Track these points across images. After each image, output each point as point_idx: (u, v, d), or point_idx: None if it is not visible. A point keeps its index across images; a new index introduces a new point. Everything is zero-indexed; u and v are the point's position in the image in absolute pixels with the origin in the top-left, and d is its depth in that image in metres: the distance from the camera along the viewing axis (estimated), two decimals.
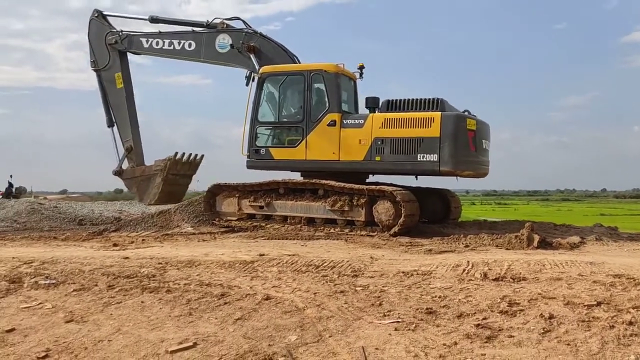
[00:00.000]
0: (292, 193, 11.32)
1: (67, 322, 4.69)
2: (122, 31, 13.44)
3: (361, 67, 11.91)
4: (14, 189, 26.03)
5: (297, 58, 12.33)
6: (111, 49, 13.48)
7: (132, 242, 9.64)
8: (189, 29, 12.84)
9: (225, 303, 5.00)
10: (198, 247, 8.68)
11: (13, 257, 7.82)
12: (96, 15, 13.69)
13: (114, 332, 4.38)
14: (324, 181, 10.69)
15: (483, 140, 10.90)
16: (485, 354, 3.51)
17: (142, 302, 5.19)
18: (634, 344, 3.57)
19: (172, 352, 3.83)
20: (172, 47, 12.78)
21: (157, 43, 12.94)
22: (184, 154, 13.32)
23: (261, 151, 11.56)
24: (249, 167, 11.76)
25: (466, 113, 10.85)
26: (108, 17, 13.86)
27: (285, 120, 11.72)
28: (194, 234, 10.71)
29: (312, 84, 11.16)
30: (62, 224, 14.55)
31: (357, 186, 10.44)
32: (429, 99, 10.46)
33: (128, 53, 13.74)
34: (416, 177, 11.37)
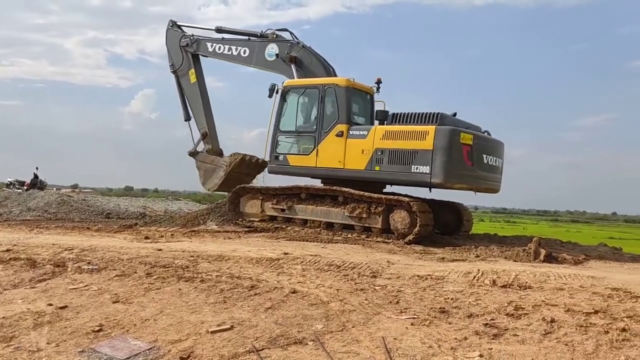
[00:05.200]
0: (313, 198, 11.82)
1: (114, 303, 5.22)
2: (193, 35, 15.00)
3: (378, 82, 12.52)
4: (39, 181, 26.71)
5: (333, 70, 12.93)
6: (184, 51, 15.00)
7: (162, 236, 10.18)
8: (246, 37, 14.12)
9: (256, 294, 5.48)
10: (225, 244, 9.19)
11: (53, 244, 8.38)
12: (171, 25, 15.40)
13: (158, 313, 4.89)
14: (344, 189, 11.19)
15: (485, 156, 10.99)
16: (492, 349, 3.96)
17: (180, 289, 5.70)
18: (625, 348, 4.00)
19: (213, 332, 4.33)
20: (230, 52, 14.06)
21: (219, 48, 14.30)
22: (251, 156, 14.27)
23: (280, 157, 12.36)
24: (270, 171, 12.73)
25: (485, 133, 11.35)
26: (182, 27, 15.50)
27: (301, 130, 12.39)
28: (219, 231, 11.27)
29: (325, 96, 11.81)
30: (90, 216, 15.22)
31: (375, 195, 10.90)
32: (429, 113, 10.76)
33: (200, 56, 15.17)
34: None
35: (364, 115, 12.34)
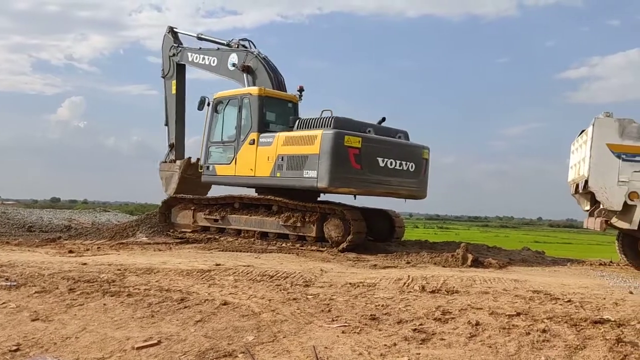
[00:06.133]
0: (247, 208, 11.74)
1: (33, 321, 4.94)
2: (179, 46, 15.30)
3: (300, 89, 12.81)
4: None
5: (283, 79, 12.96)
6: (170, 60, 15.40)
7: (88, 250, 9.77)
8: (216, 46, 14.48)
9: (186, 307, 5.34)
10: (155, 256, 8.93)
11: None
12: (168, 31, 15.64)
13: (80, 330, 4.67)
14: (278, 198, 11.15)
15: (382, 159, 10.69)
16: (420, 353, 4.04)
17: (105, 304, 5.46)
18: (545, 348, 4.18)
19: (138, 348, 4.17)
20: (204, 62, 14.32)
21: (196, 58, 14.59)
22: (198, 159, 14.33)
23: (210, 167, 12.55)
24: (202, 181, 12.92)
25: (398, 136, 11.46)
26: (178, 34, 15.71)
27: (226, 140, 12.50)
28: (149, 243, 10.96)
29: (242, 106, 11.97)
30: (11, 229, 14.44)
31: (309, 204, 10.94)
32: (325, 117, 10.81)
33: (187, 66, 15.41)
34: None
35: (286, 123, 12.22)
